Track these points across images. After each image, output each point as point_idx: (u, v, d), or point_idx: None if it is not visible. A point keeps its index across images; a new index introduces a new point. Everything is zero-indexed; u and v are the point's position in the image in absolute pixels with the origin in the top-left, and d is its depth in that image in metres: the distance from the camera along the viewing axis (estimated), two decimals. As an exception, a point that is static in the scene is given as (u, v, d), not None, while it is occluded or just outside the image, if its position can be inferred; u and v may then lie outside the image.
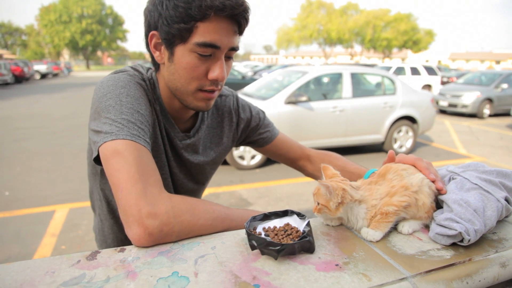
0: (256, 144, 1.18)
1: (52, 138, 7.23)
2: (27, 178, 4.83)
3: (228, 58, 0.84)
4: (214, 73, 0.80)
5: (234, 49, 0.82)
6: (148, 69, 0.95)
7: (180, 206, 0.69)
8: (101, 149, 0.72)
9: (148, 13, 0.81)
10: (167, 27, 0.77)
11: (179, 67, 0.80)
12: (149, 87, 0.89)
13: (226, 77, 0.83)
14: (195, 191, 1.13)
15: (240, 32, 0.81)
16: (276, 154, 1.20)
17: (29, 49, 60.56)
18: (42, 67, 29.98)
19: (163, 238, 0.67)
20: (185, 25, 0.74)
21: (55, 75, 33.66)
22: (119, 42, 55.33)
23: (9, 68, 21.66)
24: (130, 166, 0.68)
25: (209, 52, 0.78)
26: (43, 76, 30.00)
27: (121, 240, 1.08)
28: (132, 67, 0.90)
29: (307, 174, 1.22)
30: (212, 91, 0.84)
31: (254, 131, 1.15)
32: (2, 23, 63.32)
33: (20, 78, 23.41)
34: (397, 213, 0.72)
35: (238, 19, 0.77)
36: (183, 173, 1.05)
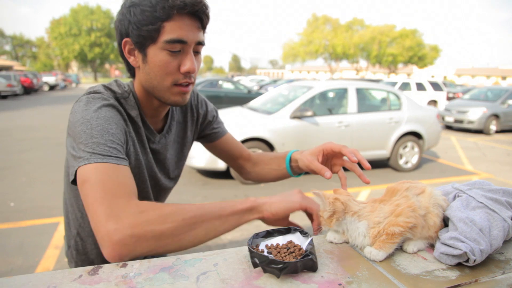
0: (208, 138, 1.23)
1: (58, 149, 7.28)
2: (32, 189, 4.85)
3: (197, 53, 0.90)
4: (185, 66, 0.86)
5: (201, 43, 0.88)
6: (127, 85, 0.98)
7: (147, 215, 0.69)
8: (77, 175, 0.76)
9: (118, 24, 0.88)
10: (138, 31, 0.83)
11: (153, 66, 0.86)
12: (124, 102, 0.93)
13: (197, 70, 0.89)
14: (170, 189, 1.18)
15: (203, 27, 0.88)
16: (223, 151, 1.27)
17: (38, 61, 61.50)
18: (51, 79, 30.41)
19: (133, 250, 0.68)
20: (153, 26, 0.81)
21: (64, 86, 34.08)
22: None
23: (19, 80, 21.99)
24: (96, 190, 0.71)
25: (178, 48, 0.84)
26: (52, 87, 30.40)
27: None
28: (104, 86, 0.93)
29: (245, 173, 1.29)
30: (186, 85, 0.90)
31: (208, 125, 1.22)
32: (14, 35, 64.55)
33: (29, 89, 23.74)
34: (403, 234, 0.71)
35: (199, 15, 0.84)
36: (165, 175, 1.10)
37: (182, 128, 1.14)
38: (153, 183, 1.06)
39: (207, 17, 0.86)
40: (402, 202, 0.72)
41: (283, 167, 1.14)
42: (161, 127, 1.06)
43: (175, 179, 1.17)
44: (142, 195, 0.99)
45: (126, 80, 1.03)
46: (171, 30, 0.81)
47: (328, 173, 0.92)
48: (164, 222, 0.69)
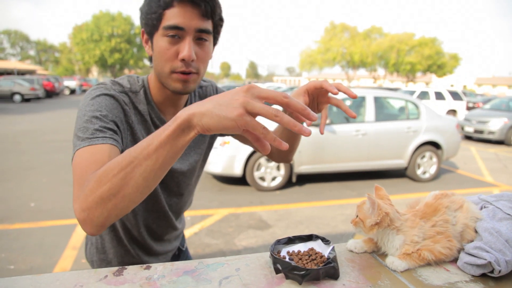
0: None
1: (78, 152, 7.43)
2: (52, 190, 4.96)
3: (203, 40, 0.90)
4: (182, 53, 0.87)
5: (203, 31, 0.88)
6: (141, 79, 1.01)
7: (88, 186, 0.66)
8: None
9: (139, 16, 0.93)
10: (145, 20, 0.89)
11: (156, 53, 0.90)
12: (133, 96, 0.97)
13: (202, 58, 0.90)
14: (186, 174, 1.15)
15: (207, 15, 0.88)
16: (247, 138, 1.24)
17: (60, 66, 63.09)
18: (72, 83, 31.22)
19: (92, 221, 0.66)
20: (155, 15, 0.86)
21: (84, 91, 34.88)
22: (145, 61, 56.95)
23: (41, 83, 22.63)
24: (73, 176, 0.74)
25: (175, 33, 0.86)
26: (72, 91, 31.18)
27: (120, 255, 1.11)
28: (113, 80, 0.97)
29: (270, 154, 1.22)
30: (186, 73, 0.90)
31: None
32: (38, 40, 66.58)
33: (51, 93, 24.36)
34: (431, 262, 0.71)
35: (197, 1, 0.85)
36: (182, 163, 1.09)
37: None
38: (169, 176, 1.06)
39: (208, 4, 0.87)
40: (441, 229, 0.72)
41: None
42: None
43: (194, 170, 1.16)
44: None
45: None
46: (170, 17, 0.85)
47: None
48: (99, 186, 0.65)
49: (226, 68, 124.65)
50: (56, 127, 11.02)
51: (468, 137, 11.69)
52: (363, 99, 5.91)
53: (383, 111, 6.10)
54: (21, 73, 37.75)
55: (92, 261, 1.16)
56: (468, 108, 16.70)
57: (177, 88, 0.92)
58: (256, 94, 0.59)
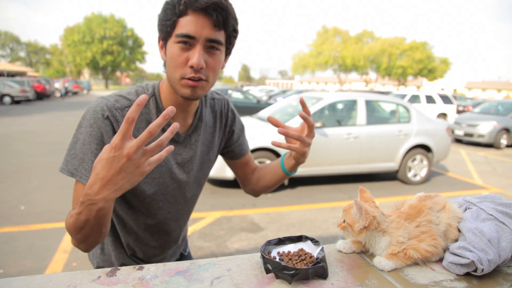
0: (233, 154, 1.26)
1: (69, 154, 7.36)
2: (43, 193, 4.91)
3: (214, 49, 0.92)
4: (191, 60, 0.88)
5: (214, 41, 0.90)
6: (152, 87, 1.03)
7: (68, 231, 0.84)
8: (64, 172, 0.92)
9: (157, 23, 0.95)
10: (161, 26, 0.91)
11: (168, 58, 0.92)
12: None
13: (203, 65, 0.89)
14: (197, 195, 1.22)
15: (219, 26, 0.89)
16: (242, 167, 1.30)
17: (51, 67, 62.60)
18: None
19: (90, 246, 0.86)
20: (169, 22, 0.88)
21: (75, 93, 34.62)
22: (138, 63, 56.73)
23: (32, 85, 22.38)
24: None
25: (186, 41, 0.88)
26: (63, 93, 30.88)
27: (122, 258, 1.13)
28: (119, 95, 0.97)
29: (248, 185, 1.32)
30: (195, 79, 0.91)
31: (236, 140, 1.25)
32: (29, 42, 66.03)
33: (41, 95, 24.08)
34: (418, 260, 0.73)
35: (209, 11, 0.86)
36: (189, 174, 1.11)
37: (211, 132, 1.16)
38: (176, 185, 1.09)
39: (221, 15, 0.88)
40: (425, 228, 0.74)
41: (277, 161, 1.18)
42: (190, 126, 1.09)
43: (200, 179, 1.19)
44: (161, 190, 1.05)
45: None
46: (183, 25, 0.87)
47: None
48: (72, 236, 0.84)
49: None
50: (47, 129, 10.92)
51: (458, 140, 11.84)
52: (354, 102, 5.96)
53: (374, 115, 6.16)
54: (11, 74, 37.32)
55: (93, 262, 1.19)
56: (458, 112, 16.89)
57: (185, 94, 0.93)
58: (140, 155, 0.70)
